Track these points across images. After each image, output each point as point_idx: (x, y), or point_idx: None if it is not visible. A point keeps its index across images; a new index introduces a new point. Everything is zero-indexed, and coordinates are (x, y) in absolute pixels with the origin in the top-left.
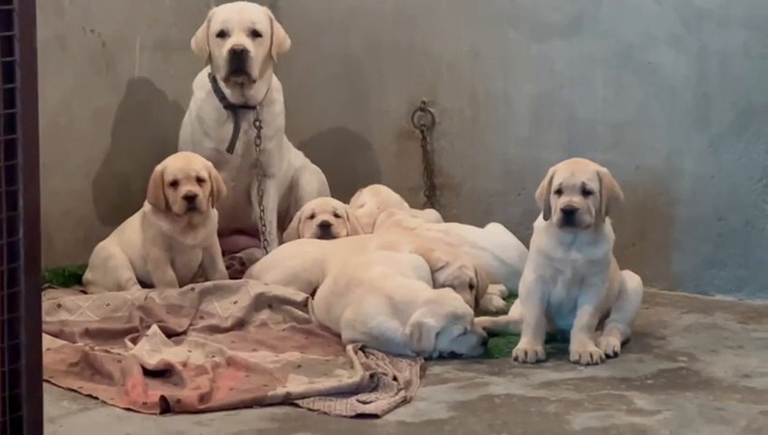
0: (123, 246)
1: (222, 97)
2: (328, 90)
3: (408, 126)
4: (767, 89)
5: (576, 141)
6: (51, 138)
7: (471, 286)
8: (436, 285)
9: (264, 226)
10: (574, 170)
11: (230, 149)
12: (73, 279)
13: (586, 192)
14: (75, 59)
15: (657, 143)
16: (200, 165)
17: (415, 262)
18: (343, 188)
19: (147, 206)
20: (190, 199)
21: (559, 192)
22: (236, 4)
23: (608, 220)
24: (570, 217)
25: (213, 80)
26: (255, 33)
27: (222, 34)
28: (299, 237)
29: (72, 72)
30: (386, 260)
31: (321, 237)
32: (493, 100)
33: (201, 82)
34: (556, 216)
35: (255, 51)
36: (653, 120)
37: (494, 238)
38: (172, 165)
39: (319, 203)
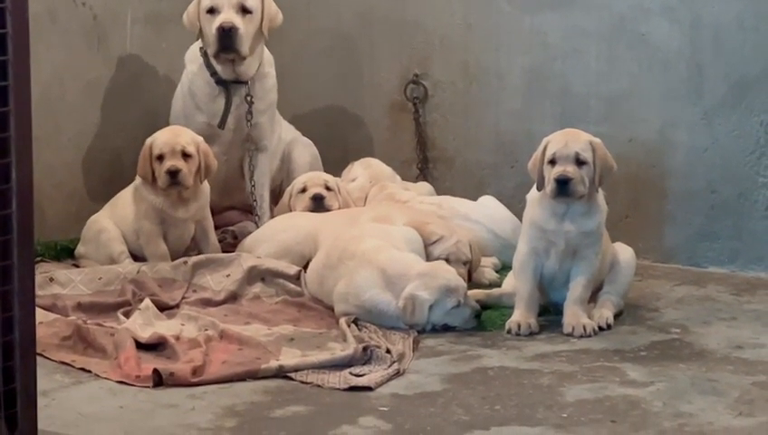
0: (115, 219)
1: (213, 72)
2: (320, 63)
3: (400, 99)
4: (761, 61)
5: (569, 114)
6: (42, 111)
7: (465, 261)
8: (430, 258)
9: (256, 200)
10: (568, 140)
11: (221, 124)
12: (66, 253)
13: (580, 162)
14: (66, 32)
15: (651, 115)
16: (187, 139)
17: (408, 235)
18: (336, 162)
19: (138, 179)
20: (173, 174)
21: (552, 162)
22: None
23: (600, 192)
24: (563, 187)
25: (204, 54)
26: (245, 10)
27: (211, 11)
28: (290, 211)
29: (64, 46)
30: (378, 233)
31: (313, 210)
32: (485, 72)
33: (193, 56)
34: (550, 186)
35: (245, 27)
36: (646, 93)
37: (487, 211)
38: (159, 139)
39: (310, 176)
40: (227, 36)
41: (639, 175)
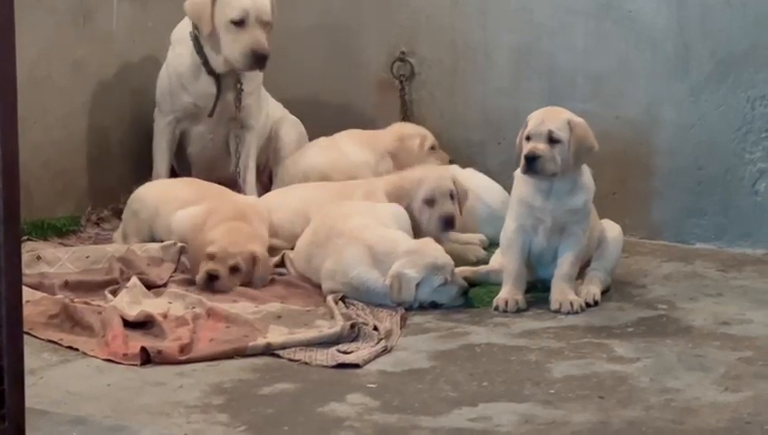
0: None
1: (205, 61)
2: (307, 41)
3: (387, 76)
4: (747, 37)
5: (556, 92)
6: (29, 90)
7: (452, 196)
8: (416, 203)
9: (244, 179)
10: (544, 118)
11: (211, 113)
12: (53, 231)
13: (553, 140)
14: (52, 11)
15: (638, 93)
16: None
17: (395, 212)
18: None
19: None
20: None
21: (529, 139)
22: None
23: (588, 170)
24: (531, 164)
25: (195, 40)
26: (266, 24)
27: (238, 23)
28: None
29: (50, 25)
30: (366, 210)
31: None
32: (472, 50)
33: (181, 37)
34: (521, 162)
35: (268, 43)
36: (633, 70)
37: (478, 181)
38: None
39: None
40: (259, 60)
41: (626, 152)
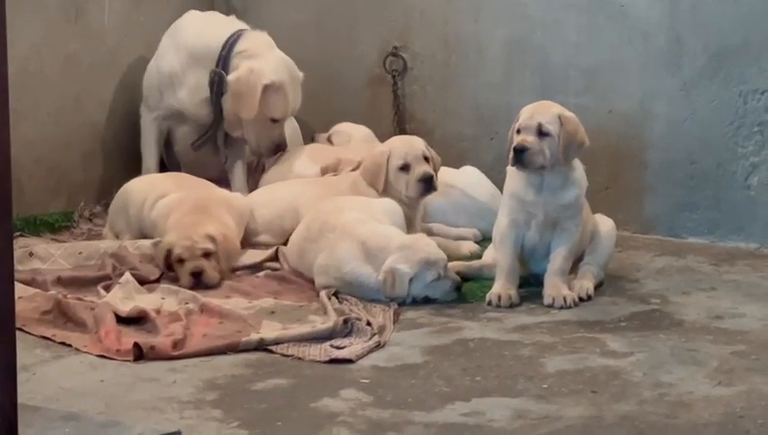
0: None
1: (217, 104)
2: (299, 35)
3: (379, 71)
4: (739, 31)
5: (548, 86)
6: (21, 85)
7: (426, 159)
8: (393, 172)
9: (234, 175)
10: (535, 112)
11: (198, 147)
12: (45, 227)
13: (542, 134)
14: (44, 6)
15: (630, 87)
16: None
17: (388, 207)
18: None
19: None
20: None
21: (519, 132)
22: (291, 83)
23: (580, 165)
24: (519, 156)
25: (220, 80)
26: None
27: (274, 120)
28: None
29: (42, 20)
30: (359, 205)
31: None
32: (465, 45)
33: (192, 50)
34: (510, 154)
35: None
36: (625, 64)
37: (465, 178)
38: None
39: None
40: (278, 151)
41: (619, 146)
